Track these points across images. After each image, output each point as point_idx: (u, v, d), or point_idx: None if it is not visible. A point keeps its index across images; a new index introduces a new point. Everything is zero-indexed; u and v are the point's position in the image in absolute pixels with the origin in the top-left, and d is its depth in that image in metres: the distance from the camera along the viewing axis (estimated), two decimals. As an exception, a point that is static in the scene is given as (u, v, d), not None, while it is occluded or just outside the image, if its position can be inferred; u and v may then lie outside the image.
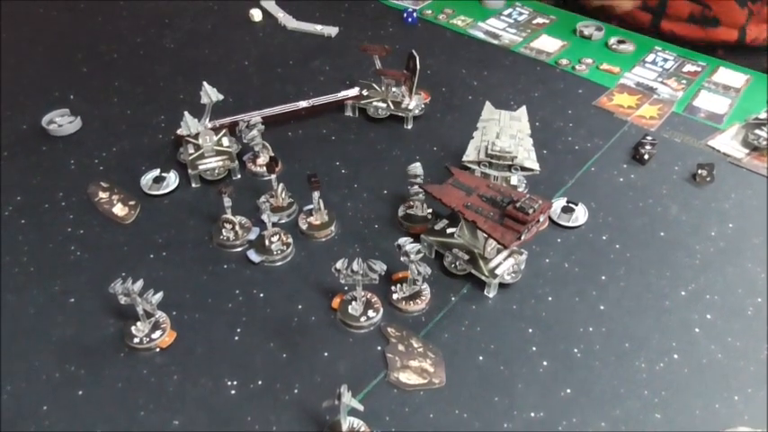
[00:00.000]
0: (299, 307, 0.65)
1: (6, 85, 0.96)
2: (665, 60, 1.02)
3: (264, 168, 0.78)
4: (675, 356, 0.61)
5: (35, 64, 1.03)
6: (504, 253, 0.66)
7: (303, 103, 0.88)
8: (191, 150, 0.78)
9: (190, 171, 0.77)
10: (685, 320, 0.64)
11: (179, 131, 0.79)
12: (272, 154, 0.80)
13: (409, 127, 0.88)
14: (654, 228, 0.73)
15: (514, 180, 0.74)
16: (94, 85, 0.97)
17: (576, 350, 0.61)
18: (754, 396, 0.58)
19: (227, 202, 0.69)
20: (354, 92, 0.90)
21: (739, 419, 0.56)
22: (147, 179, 0.78)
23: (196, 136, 0.78)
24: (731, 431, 0.55)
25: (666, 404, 0.57)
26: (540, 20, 1.12)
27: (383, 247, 0.70)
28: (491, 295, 0.66)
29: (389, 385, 0.58)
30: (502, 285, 0.66)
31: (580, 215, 0.74)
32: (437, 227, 0.69)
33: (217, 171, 0.78)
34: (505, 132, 0.72)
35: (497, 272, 0.65)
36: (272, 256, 0.69)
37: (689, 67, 1.00)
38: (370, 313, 0.63)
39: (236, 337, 0.62)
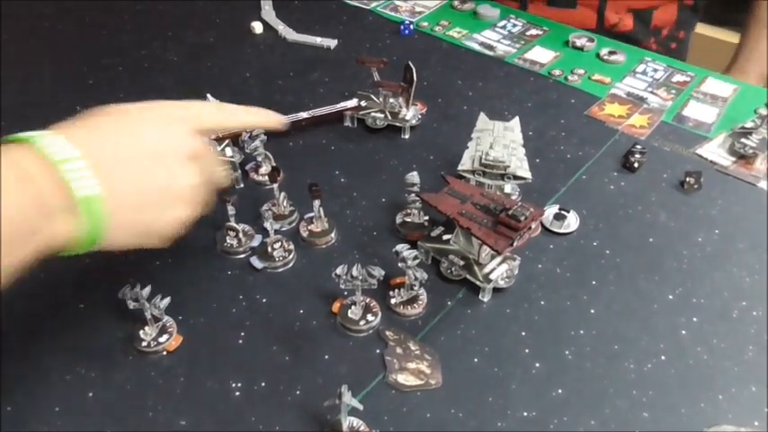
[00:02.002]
0: (301, 311, 0.67)
1: (14, 97, 0.99)
2: (655, 71, 1.04)
3: (266, 178, 0.81)
4: (663, 358, 0.63)
5: (41, 77, 1.05)
6: (498, 259, 0.69)
7: (303, 114, 0.91)
8: (195, 160, 0.80)
9: (194, 180, 0.80)
10: (673, 323, 0.66)
11: (183, 142, 0.81)
12: (274, 164, 0.83)
13: (406, 137, 0.91)
14: (643, 234, 0.76)
15: (508, 188, 0.76)
16: (100, 97, 0.98)
17: (567, 352, 0.63)
18: (738, 395, 0.60)
19: (231, 210, 0.72)
20: (353, 103, 0.92)
21: (723, 418, 0.58)
22: (152, 188, 0.80)
23: (200, 146, 0.80)
24: (716, 429, 0.57)
25: (654, 403, 0.59)
26: (533, 31, 1.15)
27: (381, 253, 0.73)
28: (485, 299, 0.68)
29: (388, 386, 0.60)
30: (496, 290, 0.68)
31: (572, 222, 0.76)
32: (433, 234, 0.72)
33: (220, 180, 0.81)
34: (499, 142, 0.74)
35: (491, 277, 0.67)
36: (274, 262, 0.71)
37: (678, 78, 1.03)
38: (369, 317, 0.65)
39: (240, 341, 0.64)
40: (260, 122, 0.65)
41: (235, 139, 0.83)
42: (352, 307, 0.66)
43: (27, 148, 0.48)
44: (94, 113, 0.53)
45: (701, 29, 1.39)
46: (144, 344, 0.63)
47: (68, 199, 0.47)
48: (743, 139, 0.86)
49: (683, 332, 0.65)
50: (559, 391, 0.60)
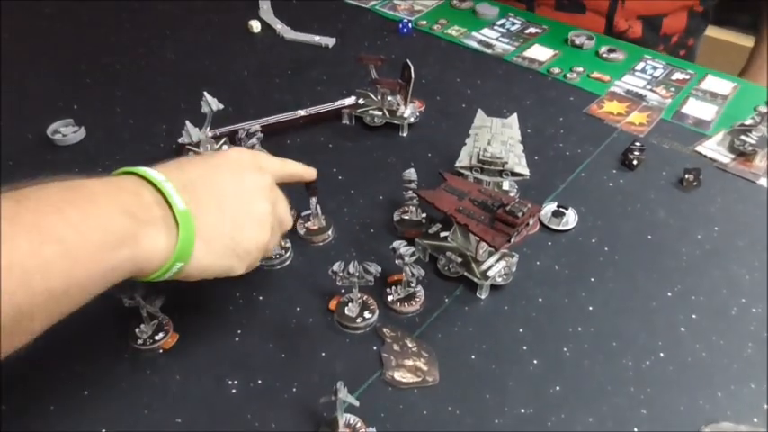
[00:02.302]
0: (298, 309, 0.67)
1: (12, 95, 0.99)
2: (655, 69, 1.04)
3: (264, 175, 0.80)
4: (661, 355, 0.63)
5: (40, 75, 1.05)
6: (496, 256, 0.68)
7: (301, 112, 0.91)
8: (192, 158, 0.80)
9: (191, 178, 0.79)
10: (671, 320, 0.66)
11: (180, 140, 0.81)
12: (271, 161, 0.82)
13: (404, 135, 0.90)
14: (642, 231, 0.75)
15: (506, 185, 0.76)
16: (98, 95, 0.99)
17: (565, 349, 0.63)
18: (736, 393, 0.59)
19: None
20: (351, 101, 0.92)
21: (722, 415, 0.58)
22: (149, 187, 0.80)
23: (197, 144, 0.80)
24: (714, 426, 0.57)
25: (652, 400, 0.59)
26: (532, 29, 1.15)
27: (379, 251, 0.72)
28: (483, 297, 0.68)
29: (385, 383, 0.60)
30: (494, 287, 0.68)
31: (570, 219, 0.76)
32: (431, 231, 0.72)
33: (217, 178, 0.80)
34: (497, 139, 0.74)
35: (489, 274, 0.67)
36: (270, 260, 0.71)
37: (677, 75, 1.02)
38: (366, 314, 0.65)
39: (237, 339, 0.64)
40: (304, 173, 0.69)
41: (232, 137, 0.83)
42: (349, 304, 0.65)
43: (126, 175, 0.52)
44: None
45: (708, 31, 1.38)
46: (140, 342, 0.63)
47: (165, 212, 0.50)
48: (742, 137, 0.85)
49: (682, 329, 0.65)
50: (557, 388, 0.60)
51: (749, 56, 1.26)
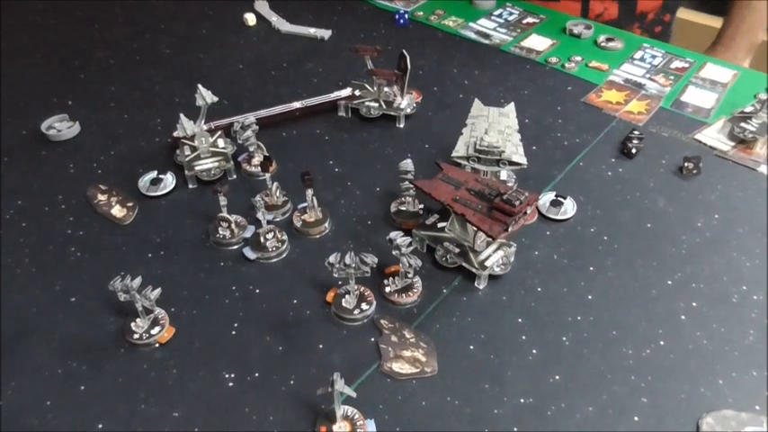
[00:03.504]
0: (295, 301, 0.66)
1: (6, 91, 0.98)
2: (654, 57, 1.03)
3: (259, 168, 0.80)
4: (662, 343, 0.62)
5: (34, 71, 1.04)
6: (494, 246, 0.68)
7: (297, 104, 0.90)
8: (187, 152, 0.79)
9: (186, 172, 0.79)
10: (672, 308, 0.65)
11: (175, 134, 0.81)
12: (267, 154, 0.82)
13: (401, 126, 0.90)
14: (641, 220, 0.75)
15: (503, 175, 0.75)
16: (92, 90, 0.99)
17: (564, 338, 0.62)
18: (738, 380, 0.59)
19: (223, 200, 0.71)
20: (347, 92, 0.91)
21: (723, 402, 0.57)
22: (144, 181, 0.80)
23: (192, 138, 0.79)
24: (716, 414, 0.56)
25: (653, 388, 0.58)
26: (529, 19, 1.14)
27: (376, 242, 0.72)
28: (481, 287, 0.67)
29: (383, 375, 0.59)
30: (492, 277, 0.68)
31: (569, 208, 0.75)
32: (428, 222, 0.71)
33: (213, 172, 0.80)
34: (494, 128, 0.73)
35: (487, 264, 0.66)
36: (267, 252, 0.70)
37: (677, 64, 1.02)
38: (364, 306, 0.64)
39: (234, 332, 0.63)
40: None
41: (227, 129, 0.82)
42: (347, 296, 0.65)
43: None
44: None
45: (680, 13, 1.37)
46: (135, 336, 0.62)
47: None
48: (743, 124, 0.85)
49: (683, 317, 0.64)
50: (557, 377, 0.59)
51: (717, 34, 1.26)
